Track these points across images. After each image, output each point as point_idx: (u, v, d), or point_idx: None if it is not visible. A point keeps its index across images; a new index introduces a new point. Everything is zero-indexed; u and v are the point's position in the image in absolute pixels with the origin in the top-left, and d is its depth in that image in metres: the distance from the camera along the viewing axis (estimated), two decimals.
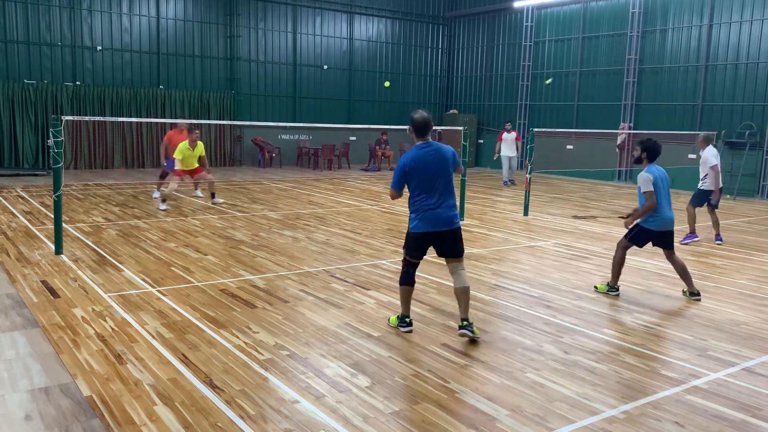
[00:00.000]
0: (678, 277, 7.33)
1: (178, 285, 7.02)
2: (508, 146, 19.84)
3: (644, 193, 7.04)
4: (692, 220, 10.64)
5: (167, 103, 21.08)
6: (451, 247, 5.60)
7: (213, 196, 13.16)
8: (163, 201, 12.66)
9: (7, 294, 6.55)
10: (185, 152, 12.56)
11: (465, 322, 5.51)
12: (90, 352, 5.01)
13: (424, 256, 5.77)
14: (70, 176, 17.39)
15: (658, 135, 19.31)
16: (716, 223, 10.71)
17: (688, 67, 19.44)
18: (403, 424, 4.00)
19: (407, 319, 5.78)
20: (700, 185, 10.65)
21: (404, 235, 10.36)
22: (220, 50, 22.40)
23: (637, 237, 7.20)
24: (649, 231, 7.13)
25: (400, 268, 5.82)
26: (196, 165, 12.92)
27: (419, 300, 6.68)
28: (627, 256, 7.34)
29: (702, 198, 10.65)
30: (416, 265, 5.77)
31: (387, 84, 23.05)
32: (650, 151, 7.25)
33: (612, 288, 7.25)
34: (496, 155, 20.18)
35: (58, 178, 8.19)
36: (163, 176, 14.23)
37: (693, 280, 7.27)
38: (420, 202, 5.59)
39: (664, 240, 7.22)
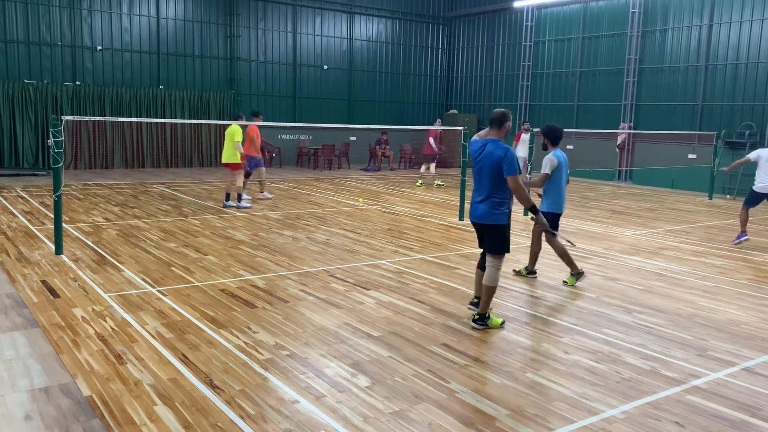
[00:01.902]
0: (682, 278, 7.32)
1: (178, 285, 7.02)
2: (525, 147, 19.30)
3: (541, 173, 7.50)
4: (744, 222, 10.43)
5: (167, 103, 21.08)
6: (487, 242, 5.95)
7: (227, 198, 13.13)
8: (240, 197, 13.02)
9: (7, 294, 6.55)
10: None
11: (476, 316, 5.91)
12: (90, 352, 5.01)
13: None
14: (70, 176, 17.39)
15: (658, 135, 19.36)
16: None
17: (688, 67, 19.44)
18: (403, 424, 4.00)
19: (475, 299, 6.20)
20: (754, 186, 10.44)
21: (404, 234, 10.42)
22: (220, 50, 22.41)
23: (550, 223, 7.65)
24: (553, 214, 7.59)
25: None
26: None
27: (419, 300, 6.69)
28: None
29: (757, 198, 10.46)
30: (484, 252, 6.12)
31: None
32: (551, 136, 7.52)
33: (578, 275, 7.56)
34: None
35: (58, 178, 8.19)
36: (248, 175, 14.23)
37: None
38: (473, 188, 6.05)
39: (556, 222, 7.68)
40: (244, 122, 13.10)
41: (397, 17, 26.24)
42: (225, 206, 12.87)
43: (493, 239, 5.85)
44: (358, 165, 24.32)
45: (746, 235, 10.44)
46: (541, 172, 7.47)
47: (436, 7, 27.31)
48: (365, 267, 8.12)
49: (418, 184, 18.75)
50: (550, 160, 7.39)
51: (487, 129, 5.96)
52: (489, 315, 5.89)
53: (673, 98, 19.89)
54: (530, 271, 7.87)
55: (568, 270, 7.69)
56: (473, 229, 6.00)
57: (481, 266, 6.14)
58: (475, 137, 6.01)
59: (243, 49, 22.79)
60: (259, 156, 13.80)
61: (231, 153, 12.73)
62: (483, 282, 5.89)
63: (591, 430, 4.00)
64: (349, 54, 25.27)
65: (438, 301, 6.70)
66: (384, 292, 6.98)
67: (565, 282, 7.61)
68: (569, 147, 22.30)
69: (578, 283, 7.57)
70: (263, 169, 14.17)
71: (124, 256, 8.35)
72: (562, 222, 12.13)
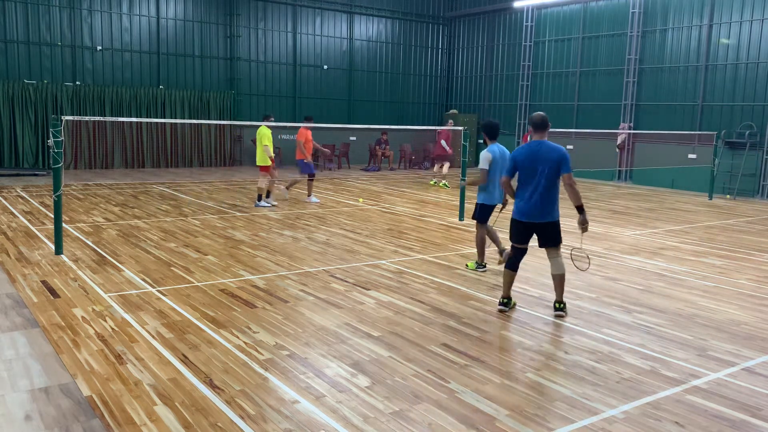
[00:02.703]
0: (682, 278, 7.33)
1: (178, 285, 7.02)
2: None
3: (480, 169, 7.89)
4: None
5: (167, 103, 21.09)
6: (547, 238, 6.27)
7: (261, 198, 13.22)
8: (266, 196, 13.17)
9: (7, 294, 6.55)
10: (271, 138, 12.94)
11: (558, 304, 6.30)
12: (90, 352, 5.01)
13: (525, 244, 6.36)
14: (70, 176, 17.39)
15: (658, 135, 19.36)
16: None
17: (688, 67, 19.44)
18: (403, 424, 4.00)
19: (504, 300, 6.37)
20: None
21: (404, 234, 10.42)
22: (220, 50, 22.41)
23: (480, 214, 8.02)
24: (486, 206, 7.99)
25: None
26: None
27: (419, 300, 6.69)
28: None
29: None
30: (522, 252, 6.37)
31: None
32: (488, 131, 7.96)
33: (480, 265, 8.12)
34: None
35: (58, 178, 8.19)
36: (312, 176, 14.23)
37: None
38: (520, 191, 6.26)
39: (489, 212, 8.07)
40: (271, 123, 13.11)
41: (397, 17, 26.24)
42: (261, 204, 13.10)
43: (553, 234, 6.25)
44: (358, 165, 24.32)
45: None
46: (480, 167, 7.87)
47: (436, 7, 27.31)
48: (365, 267, 8.12)
49: (432, 183, 18.62)
50: (485, 156, 7.79)
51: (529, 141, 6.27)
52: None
53: (673, 98, 19.89)
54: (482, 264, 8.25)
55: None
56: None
57: (513, 267, 6.35)
58: (516, 151, 6.32)
59: (243, 49, 22.79)
60: (306, 159, 13.79)
61: (262, 155, 12.95)
62: (556, 272, 6.27)
63: (591, 430, 4.00)
64: (349, 54, 25.26)
65: (438, 301, 6.70)
66: (384, 292, 6.98)
67: (467, 265, 8.29)
68: (569, 147, 22.31)
69: (576, 282, 7.56)
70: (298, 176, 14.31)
71: (124, 256, 8.35)
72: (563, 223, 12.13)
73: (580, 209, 6.14)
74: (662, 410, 4.31)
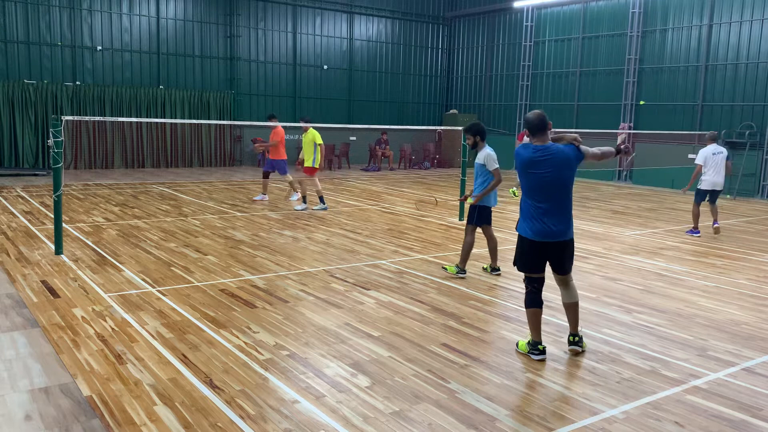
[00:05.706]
0: (682, 278, 7.31)
1: (178, 285, 7.02)
2: None
3: (493, 170, 7.48)
4: (695, 217, 11.30)
5: (167, 103, 21.08)
6: (566, 262, 5.18)
7: (321, 200, 13.02)
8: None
9: (7, 294, 6.55)
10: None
11: (574, 338, 5.27)
12: (90, 352, 5.00)
13: (541, 273, 5.19)
14: (70, 176, 17.38)
15: (658, 135, 19.36)
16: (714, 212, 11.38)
17: (688, 67, 19.45)
18: (403, 424, 4.00)
19: (540, 347, 5.16)
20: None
21: (404, 234, 10.42)
22: (220, 50, 22.41)
23: (481, 217, 7.64)
24: (488, 208, 7.68)
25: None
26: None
27: (419, 300, 6.69)
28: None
29: (699, 195, 11.34)
30: (541, 282, 5.17)
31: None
32: (482, 134, 7.59)
33: (461, 270, 7.76)
34: None
35: (58, 178, 8.19)
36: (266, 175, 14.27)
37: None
38: (531, 203, 5.17)
39: (491, 216, 7.81)
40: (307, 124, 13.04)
41: (397, 17, 26.24)
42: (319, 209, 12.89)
43: (572, 253, 5.23)
44: (358, 165, 24.32)
45: (698, 231, 11.28)
46: (494, 167, 7.44)
47: (436, 7, 27.31)
48: (365, 267, 8.12)
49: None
50: (493, 156, 7.50)
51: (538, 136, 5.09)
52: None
53: (673, 98, 19.89)
54: (494, 268, 7.97)
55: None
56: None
57: (539, 303, 5.17)
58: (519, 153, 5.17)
59: (243, 49, 22.79)
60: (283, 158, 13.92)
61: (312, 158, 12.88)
62: (570, 300, 5.24)
63: (591, 430, 4.00)
64: (349, 54, 25.27)
65: (438, 301, 6.70)
66: (384, 292, 6.98)
67: (444, 268, 7.98)
68: None
69: (576, 282, 7.56)
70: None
71: (124, 256, 8.35)
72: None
73: (618, 150, 5.36)
74: (662, 410, 4.31)
